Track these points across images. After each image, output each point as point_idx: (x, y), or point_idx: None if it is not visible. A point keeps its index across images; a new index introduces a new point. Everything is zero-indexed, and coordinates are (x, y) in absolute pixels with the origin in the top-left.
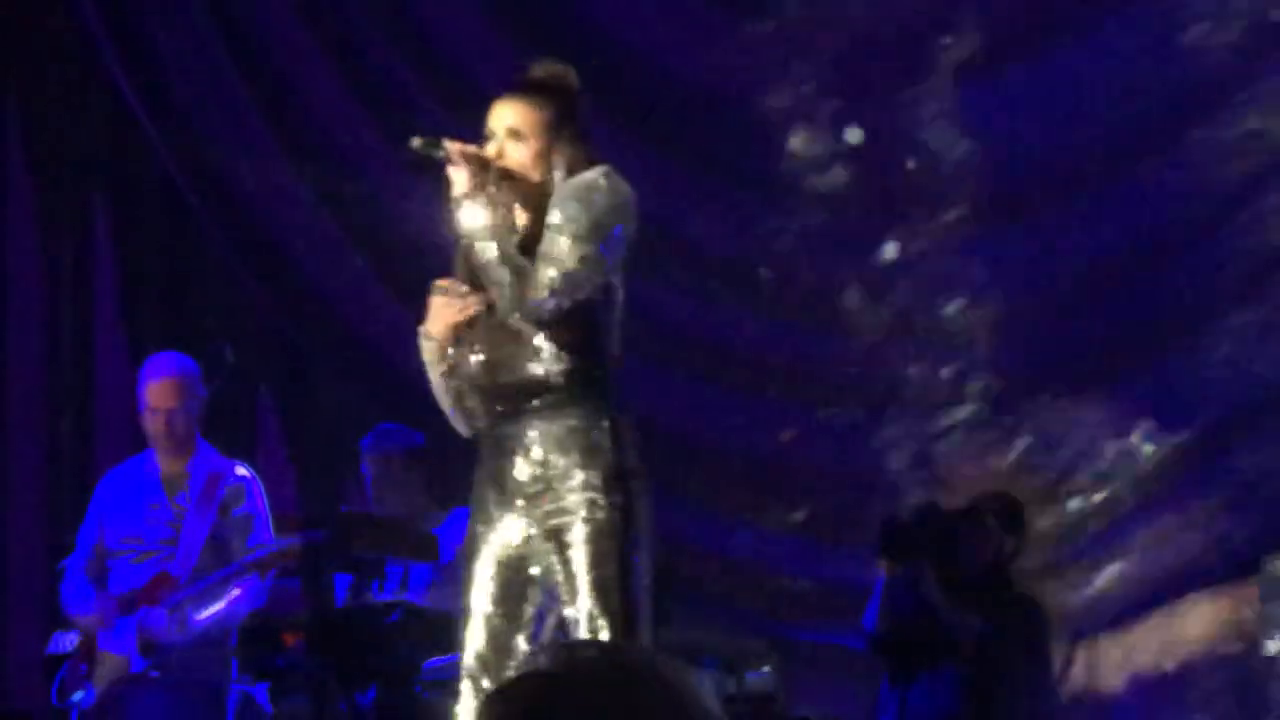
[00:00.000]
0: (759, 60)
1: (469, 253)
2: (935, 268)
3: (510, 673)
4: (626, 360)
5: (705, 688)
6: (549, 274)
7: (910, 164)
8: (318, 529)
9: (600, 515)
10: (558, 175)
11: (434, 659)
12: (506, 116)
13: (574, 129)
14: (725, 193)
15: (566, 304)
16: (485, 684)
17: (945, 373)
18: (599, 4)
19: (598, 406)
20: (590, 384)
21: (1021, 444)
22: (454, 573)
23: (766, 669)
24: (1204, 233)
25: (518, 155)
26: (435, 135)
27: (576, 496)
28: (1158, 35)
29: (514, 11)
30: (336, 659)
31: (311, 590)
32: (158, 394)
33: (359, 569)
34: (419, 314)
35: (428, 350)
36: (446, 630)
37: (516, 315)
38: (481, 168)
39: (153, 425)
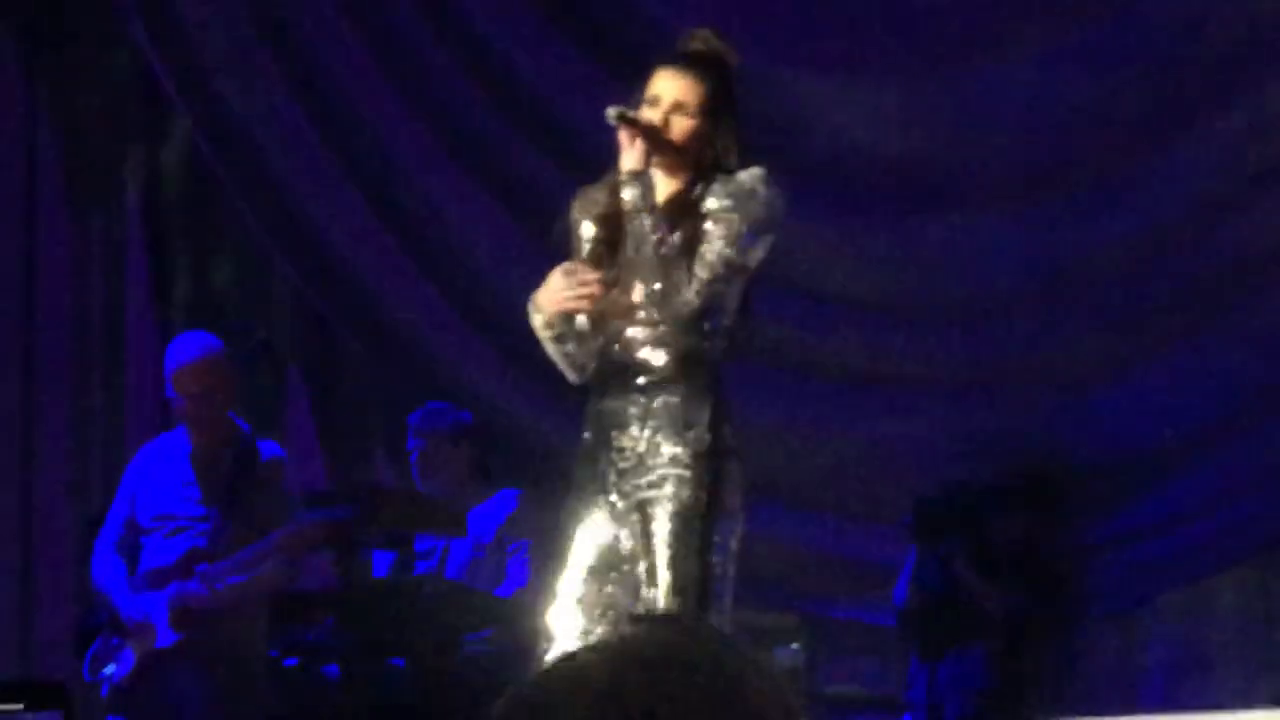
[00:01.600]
0: (789, 42)
1: (621, 224)
2: (969, 246)
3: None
4: None
5: (778, 671)
6: (701, 277)
7: (944, 143)
8: (347, 505)
9: (685, 492)
10: (714, 155)
11: (467, 634)
12: (675, 89)
13: (733, 110)
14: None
15: (708, 305)
16: (575, 638)
17: (978, 351)
18: None
19: (700, 388)
20: (696, 367)
21: (1050, 421)
22: (495, 554)
23: (795, 645)
24: (1224, 216)
25: (681, 129)
26: (629, 110)
27: (664, 471)
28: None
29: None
30: (367, 634)
31: (342, 565)
32: (184, 378)
33: (400, 545)
34: (447, 290)
35: (534, 319)
36: (480, 607)
37: (663, 310)
38: (656, 144)
39: (181, 408)
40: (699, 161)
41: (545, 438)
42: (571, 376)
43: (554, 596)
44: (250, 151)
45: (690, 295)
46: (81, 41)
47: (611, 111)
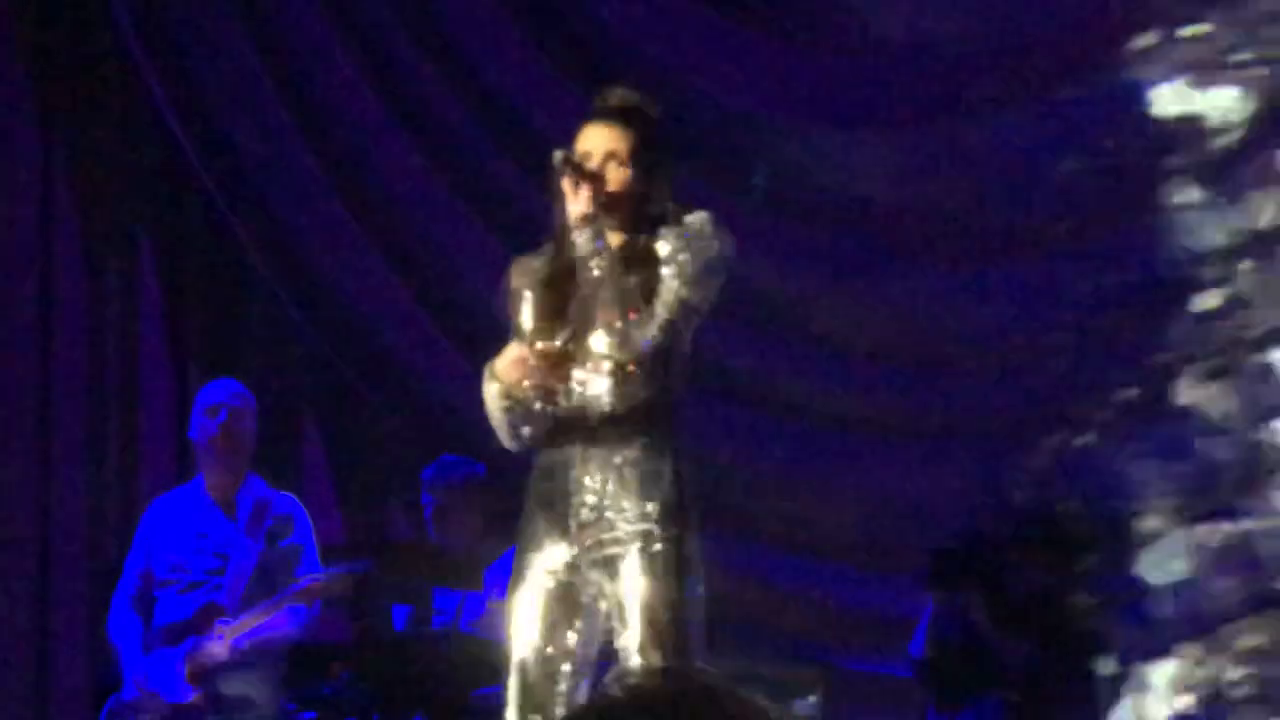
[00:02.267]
0: (795, 82)
1: (576, 275)
2: (986, 296)
3: (555, 700)
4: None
5: (774, 713)
6: (662, 317)
7: (959, 192)
8: (363, 558)
9: (656, 547)
10: (651, 200)
11: (482, 688)
12: (605, 140)
13: (665, 156)
14: (760, 217)
15: (665, 345)
16: (531, 713)
17: (994, 402)
18: (628, 23)
19: (659, 440)
20: (654, 418)
21: (1068, 472)
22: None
23: (813, 697)
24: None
25: (616, 180)
26: (572, 155)
27: (632, 527)
28: None
29: (554, 33)
30: (383, 687)
31: (358, 619)
32: (211, 418)
33: (416, 599)
34: (461, 342)
35: (490, 389)
36: (496, 660)
37: (622, 351)
38: (600, 192)
39: (207, 445)
40: (639, 210)
41: None
42: (510, 444)
43: (513, 640)
44: (265, 207)
45: (654, 330)
46: (97, 96)
47: (558, 155)
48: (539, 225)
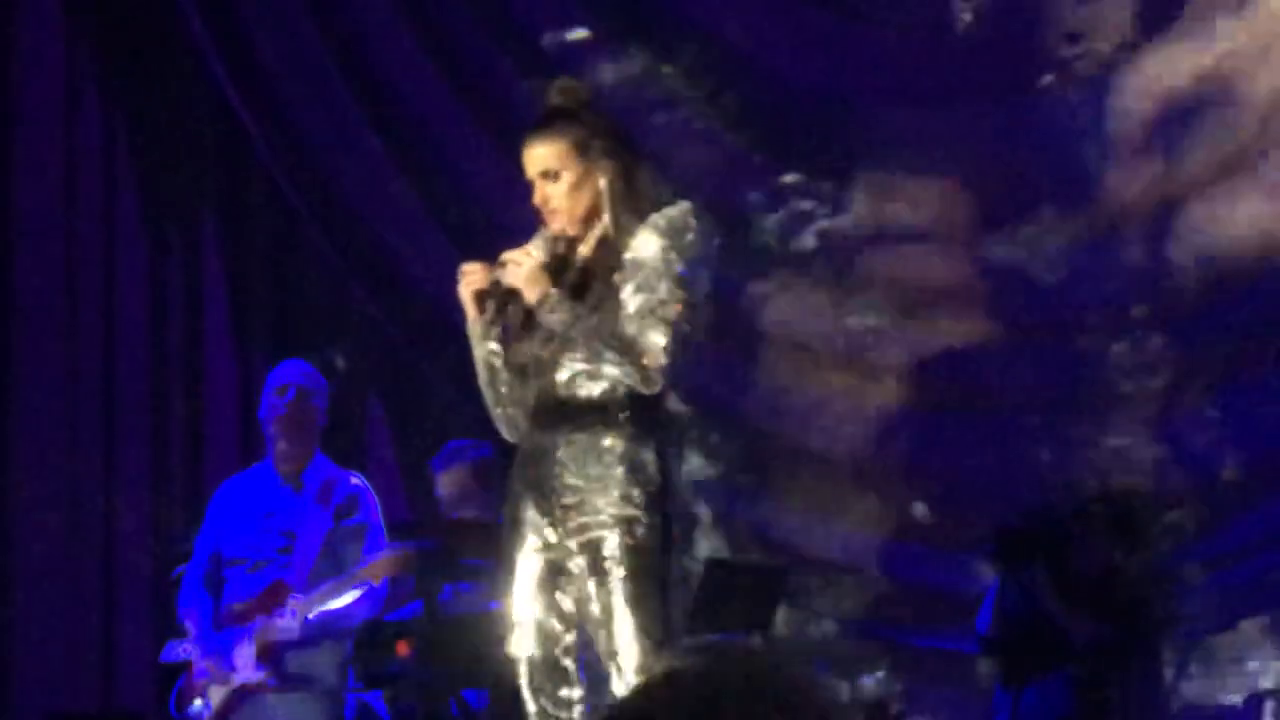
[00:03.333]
0: (857, 63)
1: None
2: (1051, 273)
3: (566, 670)
4: (736, 367)
5: (834, 690)
6: (664, 335)
7: (1022, 168)
8: (431, 536)
9: (639, 531)
10: (604, 191)
11: None
12: (535, 161)
13: (605, 142)
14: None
15: (679, 354)
16: (542, 688)
17: (1060, 379)
18: (699, 2)
19: (645, 428)
20: (642, 408)
21: (1137, 450)
22: None
23: (880, 673)
24: None
25: (557, 193)
26: (493, 291)
27: (615, 511)
28: None
29: (629, 24)
30: (449, 666)
31: (425, 597)
32: (286, 391)
33: (481, 577)
34: None
35: (472, 330)
36: None
37: (641, 384)
38: (538, 266)
39: (277, 423)
40: (597, 208)
41: None
42: (506, 431)
43: (511, 629)
44: (328, 183)
45: (660, 358)
46: (159, 75)
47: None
48: None
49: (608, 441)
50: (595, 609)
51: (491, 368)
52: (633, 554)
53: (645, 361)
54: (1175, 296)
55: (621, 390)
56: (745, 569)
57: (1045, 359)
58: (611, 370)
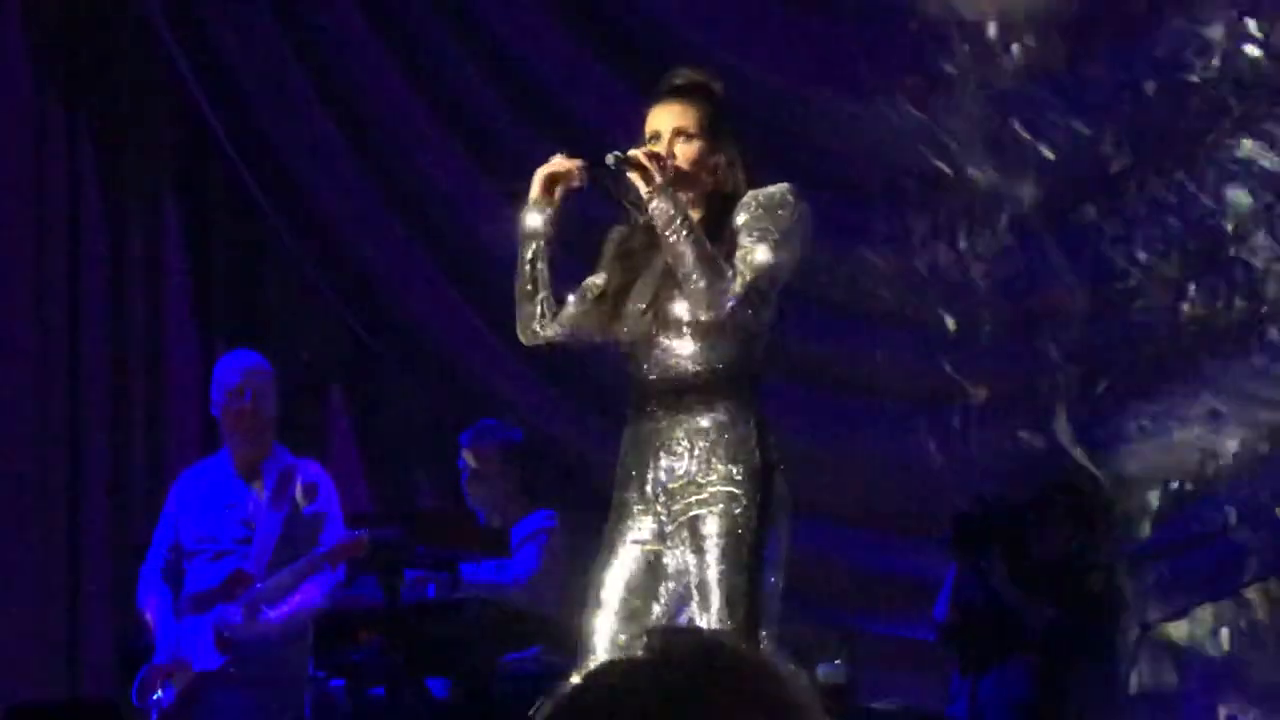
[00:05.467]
0: (831, 59)
1: (655, 248)
2: (1006, 263)
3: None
4: None
5: (806, 687)
6: (746, 278)
7: (984, 160)
8: (390, 526)
9: (738, 510)
10: (722, 175)
11: (510, 654)
12: (671, 117)
13: (732, 128)
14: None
15: (751, 309)
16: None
17: (1022, 366)
18: (666, 4)
19: (744, 404)
20: (738, 383)
21: (1088, 435)
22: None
23: (838, 661)
24: (1263, 230)
25: (687, 152)
26: (622, 150)
27: (717, 489)
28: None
29: (584, 14)
30: (412, 654)
31: (386, 586)
32: (231, 391)
33: (444, 567)
34: (487, 312)
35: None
36: (524, 627)
37: (706, 310)
38: (661, 167)
39: (230, 420)
40: (717, 183)
41: (583, 457)
42: (524, 336)
43: (596, 607)
44: (288, 174)
45: (737, 289)
46: (121, 67)
47: (609, 158)
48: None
49: (706, 421)
50: (692, 584)
51: (535, 250)
52: (729, 532)
53: (714, 307)
54: (1137, 285)
55: (719, 369)
56: None
57: (1005, 346)
58: (689, 296)
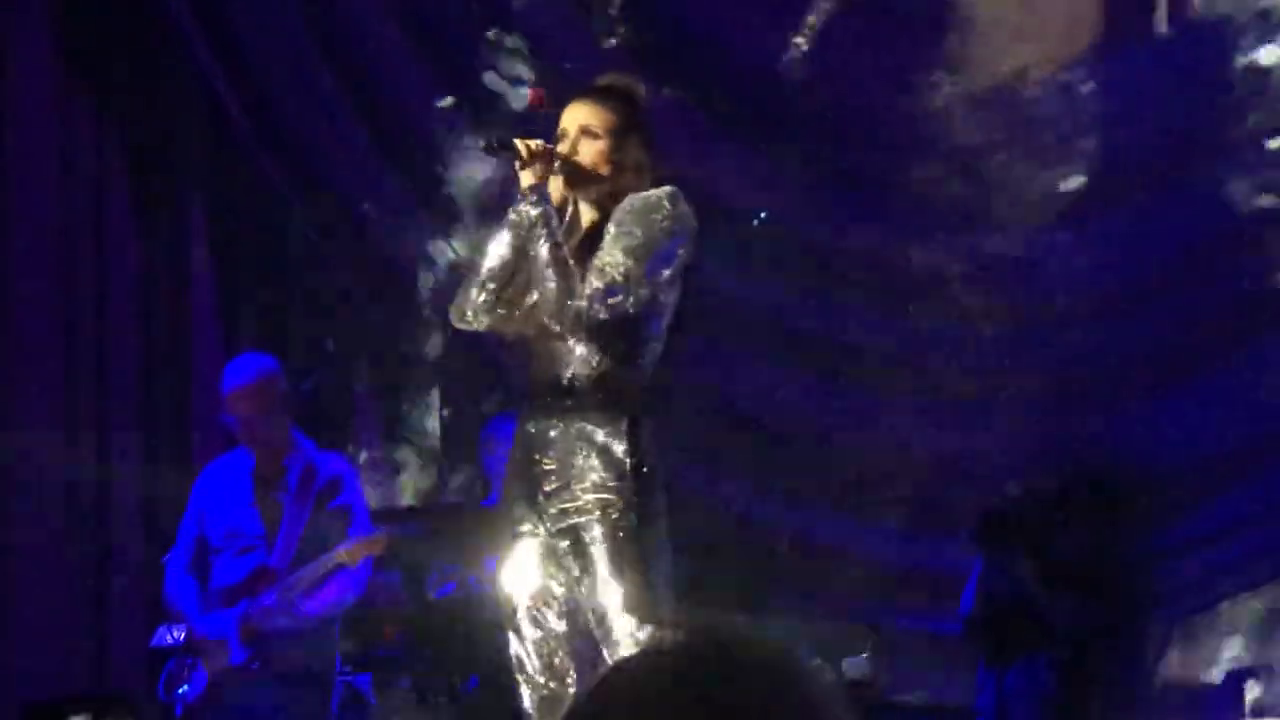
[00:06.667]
0: (847, 50)
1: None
2: (1030, 259)
3: (559, 661)
4: (723, 351)
5: (815, 664)
6: (594, 285)
7: (1002, 156)
8: (416, 521)
9: (615, 514)
10: (627, 177)
11: None
12: (580, 115)
13: (642, 135)
14: (821, 186)
15: (604, 315)
16: (537, 676)
17: (1042, 362)
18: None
19: (619, 410)
20: (617, 391)
21: (1113, 429)
22: None
23: (864, 654)
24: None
25: (590, 151)
26: (504, 136)
27: (591, 497)
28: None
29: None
30: (438, 650)
31: (412, 582)
32: (238, 401)
33: (469, 563)
34: None
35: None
36: None
37: (556, 318)
38: (548, 164)
39: (237, 431)
40: (618, 185)
41: None
42: (456, 313)
43: (506, 613)
44: (315, 172)
45: (581, 302)
46: (149, 67)
47: (481, 143)
48: None
49: (577, 427)
50: (583, 591)
51: (518, 240)
52: (610, 537)
53: (564, 317)
54: (1162, 277)
55: (597, 374)
56: (730, 550)
57: (1030, 342)
58: (541, 301)
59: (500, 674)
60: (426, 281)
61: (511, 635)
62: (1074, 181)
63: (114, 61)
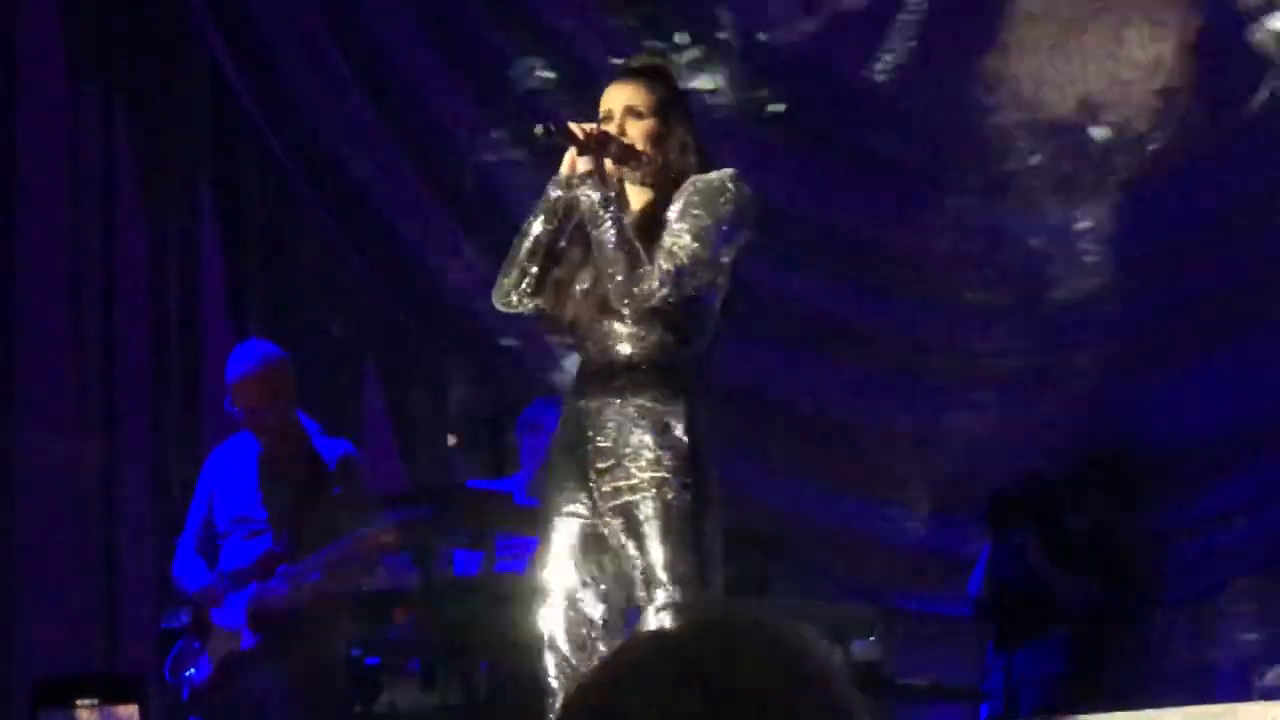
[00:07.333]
0: (863, 34)
1: (573, 234)
2: (1037, 239)
3: (592, 636)
4: (739, 333)
5: (823, 645)
6: (664, 267)
7: (1007, 136)
8: (425, 504)
9: (670, 495)
10: (674, 155)
11: None
12: (623, 96)
13: (683, 111)
14: (835, 169)
15: (674, 298)
16: (568, 655)
17: (1050, 343)
18: None
19: (676, 388)
20: (673, 368)
21: (1123, 410)
22: None
23: (872, 637)
24: None
25: (637, 131)
26: (555, 122)
27: (646, 475)
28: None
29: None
30: (448, 633)
31: (422, 565)
32: (241, 391)
33: (481, 544)
34: None
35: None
36: None
37: (624, 301)
38: (602, 146)
39: (242, 420)
40: (667, 164)
41: None
42: (501, 296)
43: (543, 594)
44: (324, 155)
45: (653, 283)
46: (157, 48)
47: (537, 128)
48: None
49: (634, 406)
50: (635, 573)
51: (560, 223)
52: (663, 516)
53: (631, 299)
54: (1170, 258)
55: (653, 354)
56: (738, 532)
57: (1038, 323)
58: (609, 286)
59: (511, 657)
60: (438, 267)
61: (545, 613)
62: (1075, 160)
63: (122, 48)
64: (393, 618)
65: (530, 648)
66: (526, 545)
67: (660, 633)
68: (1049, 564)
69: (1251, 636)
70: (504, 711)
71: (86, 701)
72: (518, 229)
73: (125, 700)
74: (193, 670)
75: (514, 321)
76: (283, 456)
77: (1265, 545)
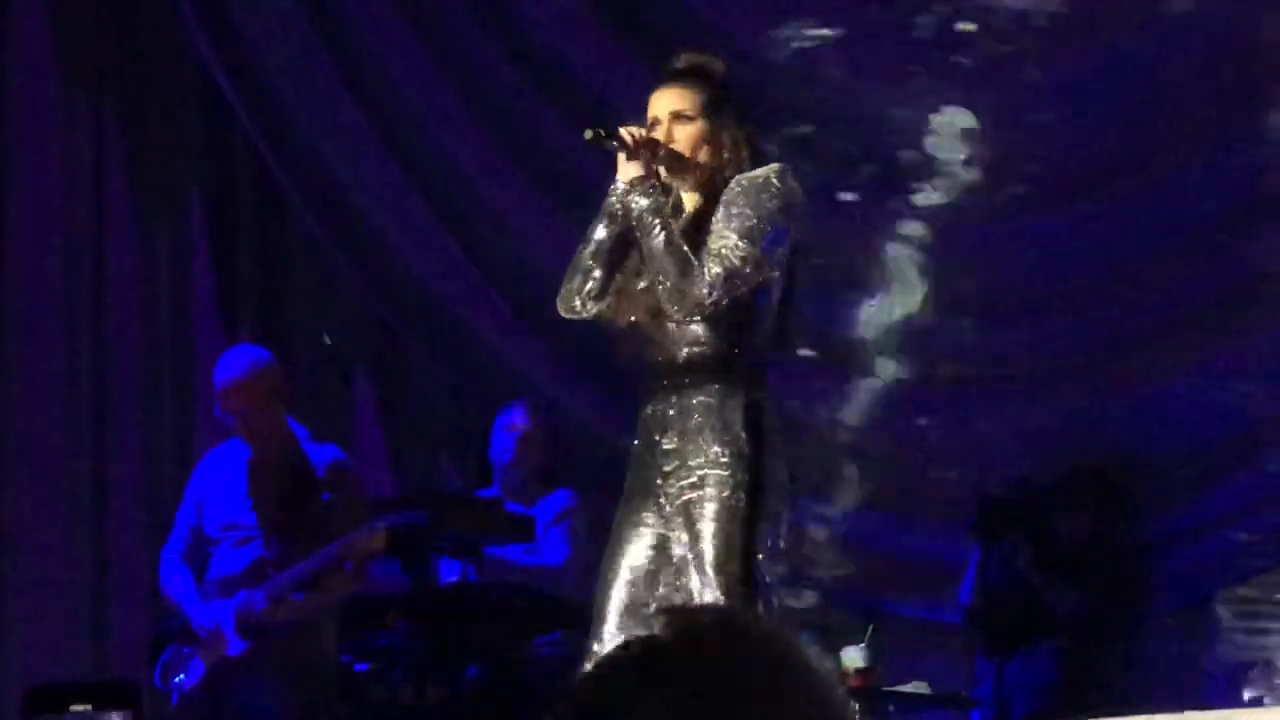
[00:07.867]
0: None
1: (634, 238)
2: (1028, 245)
3: None
4: None
5: (819, 656)
6: (713, 270)
7: (1001, 143)
8: (415, 511)
9: (726, 492)
10: (726, 156)
11: (537, 638)
12: (670, 101)
13: (733, 110)
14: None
15: (724, 300)
16: None
17: (1038, 347)
18: None
19: (736, 386)
20: (731, 367)
21: (1113, 417)
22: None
23: (862, 644)
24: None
25: (685, 135)
26: (608, 125)
27: (705, 472)
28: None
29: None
30: (438, 639)
31: (412, 571)
32: (230, 396)
33: (469, 552)
34: (510, 297)
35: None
36: (549, 611)
37: (675, 307)
38: (653, 153)
39: (231, 424)
40: (720, 165)
41: (604, 439)
42: (565, 302)
43: (605, 596)
44: (314, 161)
45: (703, 287)
46: (147, 58)
47: (587, 133)
48: (587, 181)
49: (696, 403)
50: (691, 568)
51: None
52: (718, 515)
53: (682, 303)
54: (1159, 265)
55: (712, 351)
56: None
57: (1029, 329)
58: (660, 293)
59: (502, 664)
60: (429, 274)
61: (604, 630)
62: (1070, 164)
63: (113, 54)
64: (383, 623)
65: (521, 651)
66: (513, 551)
67: (650, 639)
68: (1039, 571)
69: (1242, 646)
70: (493, 717)
71: (79, 708)
72: (508, 236)
73: (119, 707)
74: (182, 676)
75: (504, 328)
76: (272, 462)
77: (1255, 553)
